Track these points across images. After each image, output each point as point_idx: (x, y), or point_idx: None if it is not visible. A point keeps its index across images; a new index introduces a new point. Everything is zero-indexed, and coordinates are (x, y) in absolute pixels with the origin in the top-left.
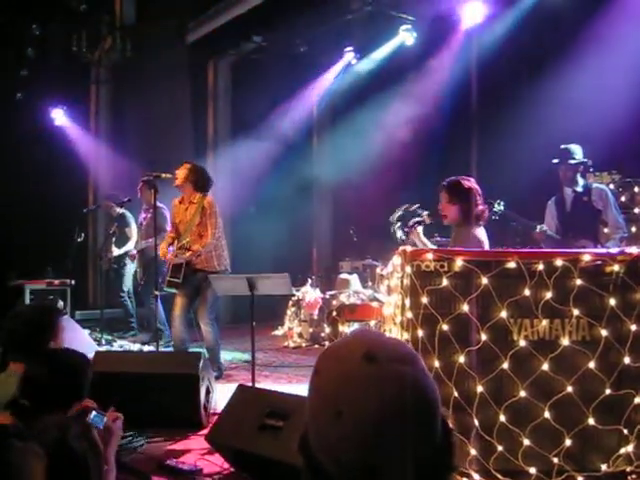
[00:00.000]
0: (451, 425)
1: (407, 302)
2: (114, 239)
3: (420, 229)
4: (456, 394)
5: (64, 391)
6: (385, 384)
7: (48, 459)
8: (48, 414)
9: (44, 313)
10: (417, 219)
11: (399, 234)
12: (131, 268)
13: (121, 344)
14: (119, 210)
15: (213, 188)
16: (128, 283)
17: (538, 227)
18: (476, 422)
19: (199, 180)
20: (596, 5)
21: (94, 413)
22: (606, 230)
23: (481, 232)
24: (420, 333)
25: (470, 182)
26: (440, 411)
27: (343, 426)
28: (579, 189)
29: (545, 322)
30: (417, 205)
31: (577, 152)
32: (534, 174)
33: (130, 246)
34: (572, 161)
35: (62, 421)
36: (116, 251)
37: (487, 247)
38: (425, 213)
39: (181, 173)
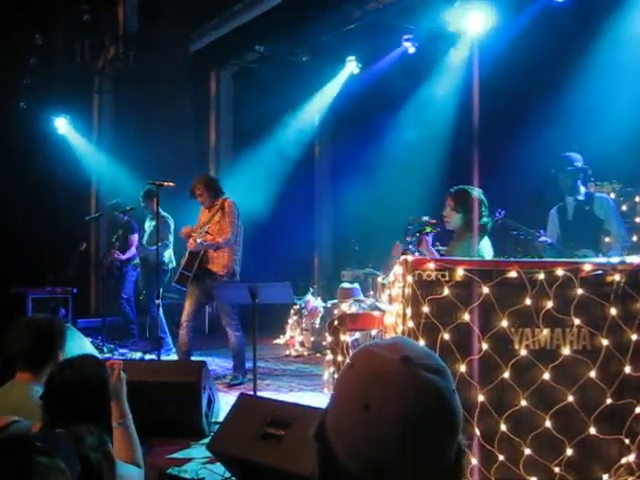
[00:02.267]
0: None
1: (408, 311)
2: (117, 244)
3: (429, 239)
4: None
5: (95, 399)
6: (418, 388)
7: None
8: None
9: (53, 322)
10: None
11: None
12: (132, 275)
13: (122, 352)
14: (124, 218)
15: None
16: (128, 290)
17: (541, 238)
18: (477, 431)
19: (214, 189)
20: (599, 17)
21: None
22: (607, 239)
23: (484, 243)
24: (421, 342)
25: (477, 193)
26: (460, 430)
27: (368, 420)
28: (581, 198)
29: (546, 331)
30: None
31: (576, 160)
32: (536, 184)
33: (132, 252)
34: (570, 168)
35: (77, 431)
36: (120, 256)
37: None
38: (428, 223)
39: (200, 191)
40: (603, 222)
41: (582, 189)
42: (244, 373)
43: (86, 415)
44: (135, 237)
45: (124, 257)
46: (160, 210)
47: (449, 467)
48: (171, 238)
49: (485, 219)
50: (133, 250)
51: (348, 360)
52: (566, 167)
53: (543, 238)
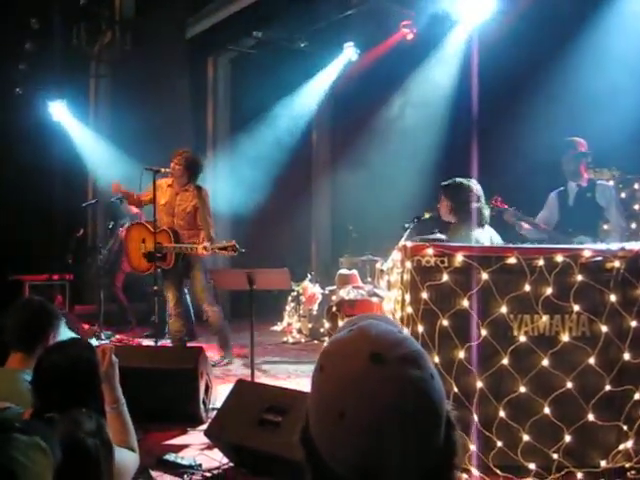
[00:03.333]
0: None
1: (407, 297)
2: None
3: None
4: (456, 389)
5: (85, 383)
6: (391, 388)
7: (59, 454)
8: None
9: (48, 304)
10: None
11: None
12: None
13: (120, 338)
14: (134, 209)
15: (212, 184)
16: (122, 278)
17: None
18: (476, 418)
19: (196, 170)
20: (599, 3)
21: None
22: (606, 227)
23: (480, 232)
24: (420, 328)
25: (468, 182)
26: (445, 412)
27: (345, 428)
28: (583, 184)
29: (545, 318)
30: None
31: (581, 145)
32: (536, 171)
33: None
34: (574, 153)
35: (75, 416)
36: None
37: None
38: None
39: (179, 162)
40: (603, 209)
41: (585, 175)
42: (231, 353)
43: (76, 399)
44: None
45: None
46: None
47: (441, 447)
48: None
49: (474, 205)
50: None
51: (317, 361)
52: (570, 151)
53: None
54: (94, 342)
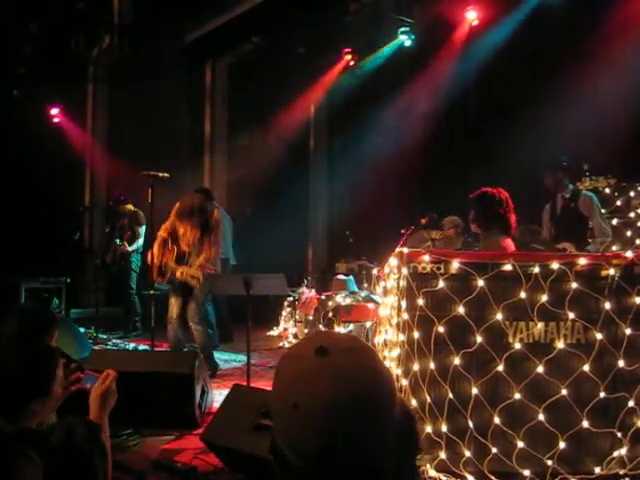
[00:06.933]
0: (418, 421)
1: (403, 304)
2: (128, 234)
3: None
4: (451, 396)
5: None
6: (336, 373)
7: (53, 460)
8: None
9: (41, 312)
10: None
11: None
12: (137, 266)
13: (116, 342)
14: (131, 208)
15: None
16: (135, 281)
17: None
18: (471, 424)
19: (207, 211)
20: (595, 12)
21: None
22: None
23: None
24: (416, 335)
25: (492, 191)
26: (396, 397)
27: (300, 417)
28: (567, 195)
29: (540, 325)
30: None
31: (561, 161)
32: (532, 179)
33: (139, 243)
34: (553, 169)
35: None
36: (128, 247)
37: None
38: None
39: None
40: (587, 218)
41: (570, 187)
42: (213, 368)
43: (19, 398)
44: (142, 229)
45: (130, 248)
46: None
47: (400, 435)
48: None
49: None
50: (140, 242)
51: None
52: (549, 169)
53: None
54: (89, 346)
